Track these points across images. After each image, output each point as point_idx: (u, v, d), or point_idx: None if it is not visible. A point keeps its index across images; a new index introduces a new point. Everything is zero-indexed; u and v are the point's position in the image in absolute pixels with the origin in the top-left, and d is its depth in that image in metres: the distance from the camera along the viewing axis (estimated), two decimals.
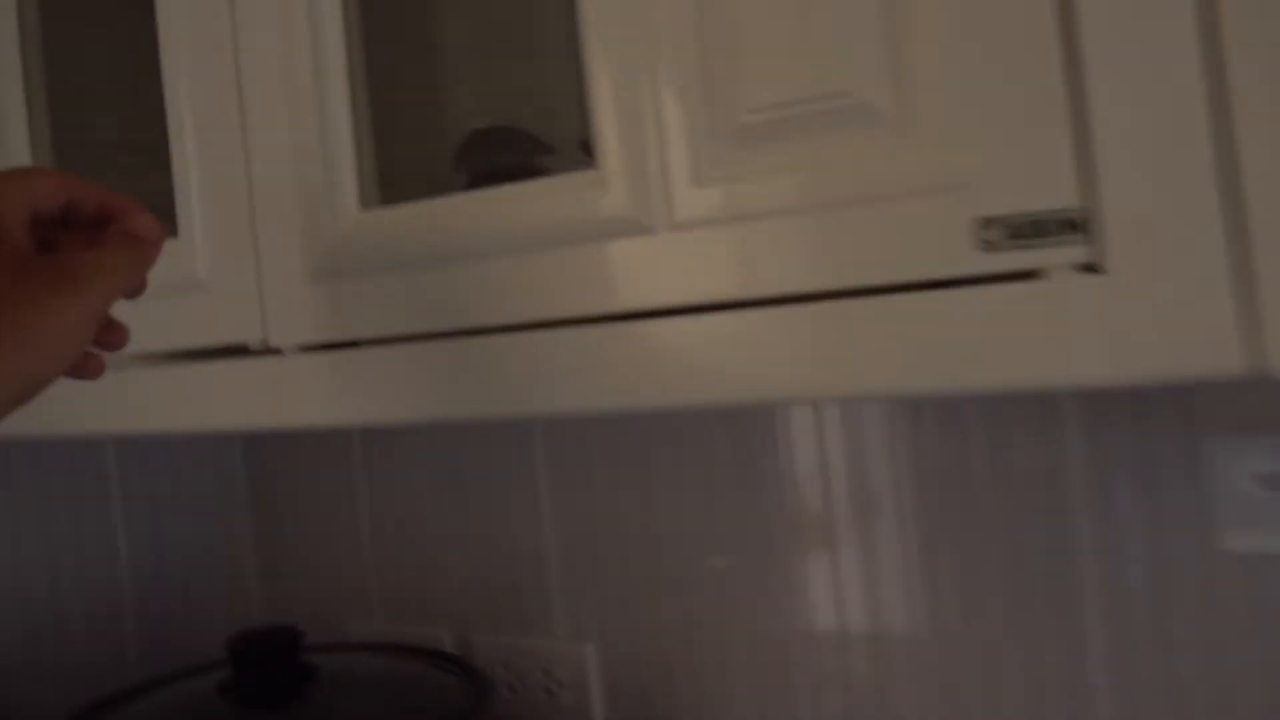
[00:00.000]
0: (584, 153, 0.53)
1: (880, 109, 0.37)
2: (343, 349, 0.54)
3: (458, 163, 0.68)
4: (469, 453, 0.92)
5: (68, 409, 0.65)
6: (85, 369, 0.44)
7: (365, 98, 0.54)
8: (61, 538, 0.92)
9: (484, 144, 0.67)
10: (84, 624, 0.93)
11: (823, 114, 0.38)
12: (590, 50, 0.44)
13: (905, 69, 0.37)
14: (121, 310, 0.63)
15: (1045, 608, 0.68)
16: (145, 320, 0.61)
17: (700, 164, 0.41)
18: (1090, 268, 0.34)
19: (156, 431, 0.62)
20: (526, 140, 0.65)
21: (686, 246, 0.42)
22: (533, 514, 0.89)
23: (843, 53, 0.37)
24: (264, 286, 0.56)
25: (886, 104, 0.37)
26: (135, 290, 0.45)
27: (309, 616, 1.04)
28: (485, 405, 0.49)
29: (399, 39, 0.62)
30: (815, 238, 0.39)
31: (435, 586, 0.96)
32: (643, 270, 0.43)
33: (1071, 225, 0.34)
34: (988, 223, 0.35)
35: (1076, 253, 0.34)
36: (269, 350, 0.56)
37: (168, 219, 0.60)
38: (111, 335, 0.45)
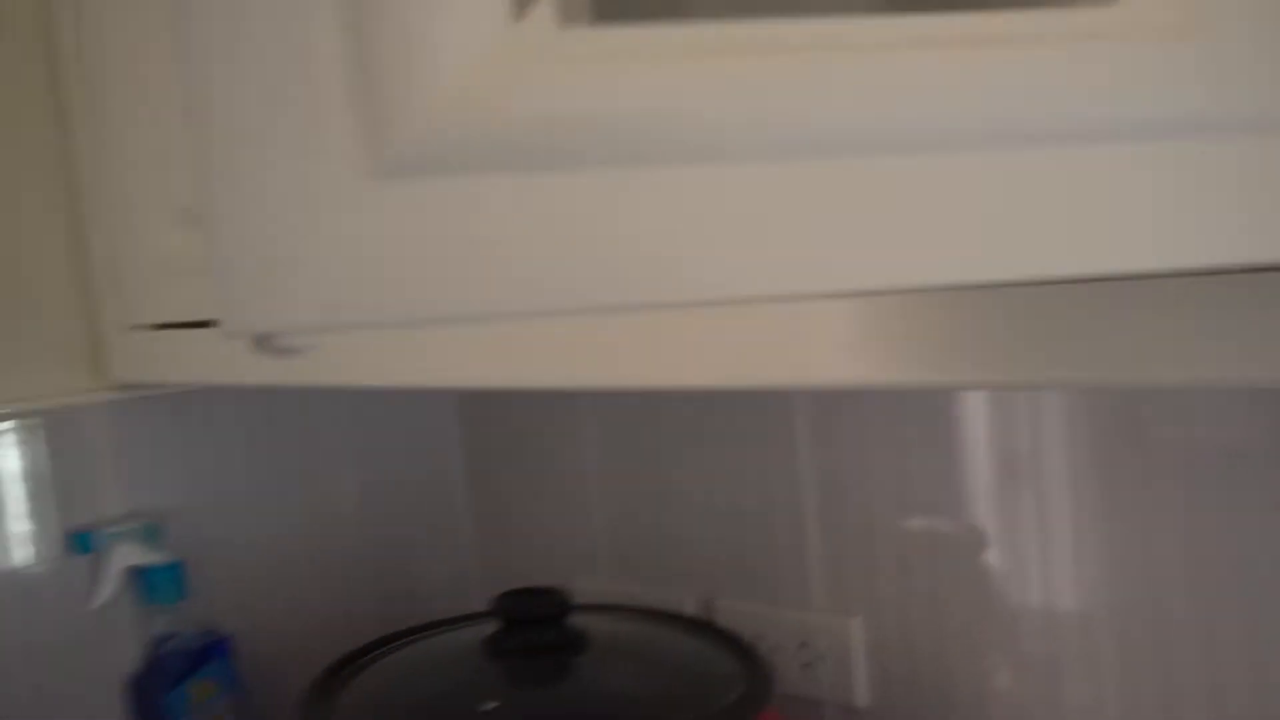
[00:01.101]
0: None
1: None
2: None
3: None
4: (715, 402, 0.82)
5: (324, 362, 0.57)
6: None
7: None
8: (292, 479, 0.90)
9: None
10: (319, 576, 0.91)
11: None
12: None
13: None
14: None
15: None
16: None
17: None
18: None
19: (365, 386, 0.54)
20: None
21: None
22: (788, 471, 0.78)
23: None
24: None
25: None
26: None
27: (525, 573, 0.97)
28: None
29: None
30: None
31: (673, 546, 0.87)
32: None
33: None
34: None
35: None
36: None
37: None
38: None
